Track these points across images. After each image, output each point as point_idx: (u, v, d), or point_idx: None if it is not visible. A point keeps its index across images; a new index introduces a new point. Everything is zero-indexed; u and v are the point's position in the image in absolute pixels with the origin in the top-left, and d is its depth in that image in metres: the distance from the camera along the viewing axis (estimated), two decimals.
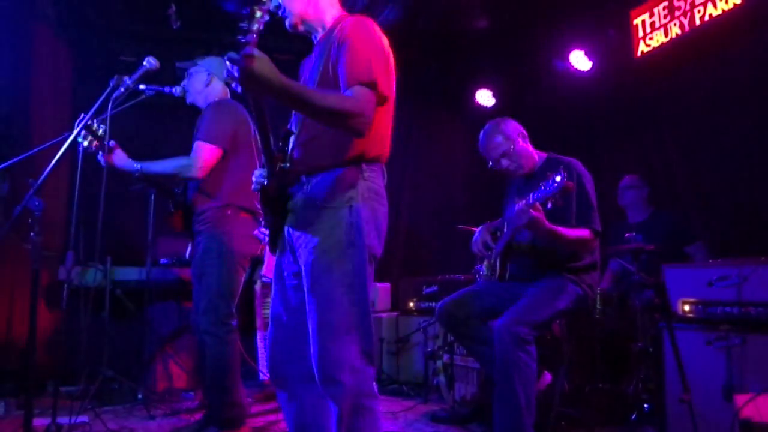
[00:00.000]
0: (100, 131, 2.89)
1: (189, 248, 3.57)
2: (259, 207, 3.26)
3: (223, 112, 3.21)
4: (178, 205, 3.27)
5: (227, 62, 1.64)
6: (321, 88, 1.94)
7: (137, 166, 2.98)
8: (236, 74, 1.64)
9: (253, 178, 2.06)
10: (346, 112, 1.77)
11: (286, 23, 2.10)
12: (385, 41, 1.99)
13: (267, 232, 2.12)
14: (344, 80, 1.85)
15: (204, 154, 3.09)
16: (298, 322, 1.99)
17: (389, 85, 1.96)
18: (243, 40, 1.62)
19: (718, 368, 2.73)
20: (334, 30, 1.99)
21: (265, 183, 1.98)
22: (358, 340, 1.83)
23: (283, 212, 2.02)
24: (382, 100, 1.91)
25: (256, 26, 1.65)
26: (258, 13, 1.66)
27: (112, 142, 2.95)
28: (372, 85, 1.84)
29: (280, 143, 2.01)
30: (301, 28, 2.11)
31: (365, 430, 1.82)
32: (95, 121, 2.86)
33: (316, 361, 1.83)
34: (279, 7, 2.06)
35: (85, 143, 2.96)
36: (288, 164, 1.96)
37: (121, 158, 2.97)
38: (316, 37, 2.14)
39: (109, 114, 2.79)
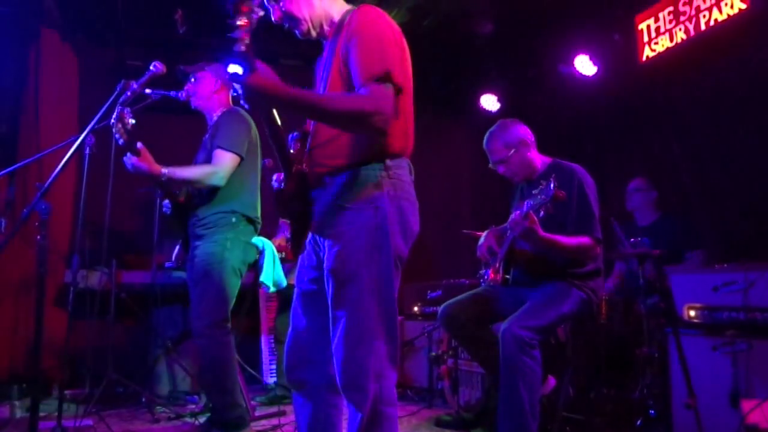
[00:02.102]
0: (130, 124, 2.83)
1: (176, 250, 3.56)
2: (259, 217, 3.30)
3: (239, 120, 3.26)
4: (177, 207, 3.27)
5: (233, 83, 1.64)
6: (333, 88, 1.86)
7: (164, 171, 2.99)
8: (240, 92, 1.62)
9: (274, 183, 2.03)
10: (361, 112, 1.69)
11: (297, 33, 2.01)
12: (396, 28, 1.88)
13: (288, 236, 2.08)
14: (358, 79, 1.75)
15: (226, 162, 3.13)
16: (318, 327, 1.92)
17: (404, 74, 1.84)
18: (238, 52, 1.58)
19: (725, 374, 2.71)
20: (342, 24, 1.89)
21: (282, 186, 1.91)
22: (385, 345, 1.77)
23: (305, 216, 1.90)
24: (398, 91, 1.79)
25: (245, 32, 1.60)
26: (242, 20, 1.61)
27: (139, 144, 2.92)
28: (386, 77, 1.73)
29: (299, 144, 1.94)
30: (313, 33, 2.00)
31: None
32: (126, 111, 2.81)
33: (340, 366, 1.77)
34: (284, 18, 1.97)
35: (118, 135, 2.88)
36: (305, 166, 1.88)
37: (148, 161, 2.96)
38: (325, 34, 2.04)
39: (114, 123, 2.79)
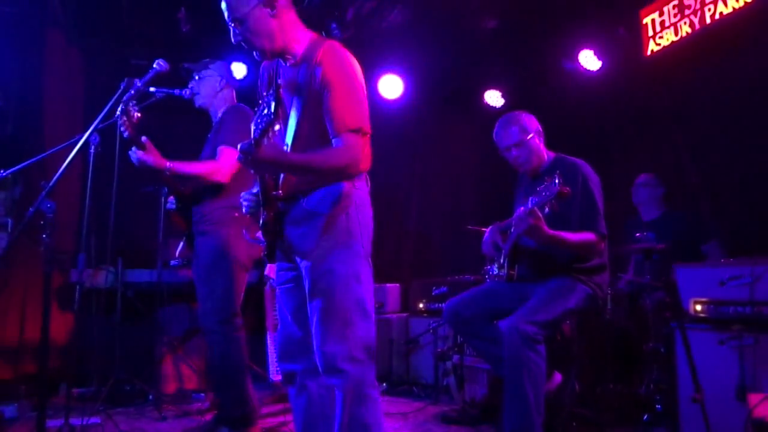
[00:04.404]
0: (135, 117, 2.85)
1: (180, 247, 3.55)
2: None
3: (243, 117, 3.24)
4: (182, 201, 3.27)
5: (239, 153, 1.80)
6: (306, 119, 2.06)
7: (169, 165, 2.99)
8: (248, 164, 1.83)
9: (242, 202, 2.13)
10: (344, 165, 2.02)
11: (255, 54, 2.14)
12: (359, 71, 2.10)
13: (263, 241, 2.18)
14: (334, 126, 2.00)
15: (230, 159, 3.11)
16: (299, 320, 2.16)
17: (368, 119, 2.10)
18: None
19: (731, 368, 2.70)
20: (311, 58, 2.06)
21: (264, 214, 2.11)
22: (359, 333, 2.00)
23: (279, 227, 2.14)
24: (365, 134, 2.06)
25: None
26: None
27: (144, 138, 2.93)
28: (360, 130, 2.02)
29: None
30: (270, 57, 2.16)
31: (368, 418, 1.95)
32: (132, 104, 2.83)
33: (319, 353, 2.00)
34: (243, 42, 2.09)
35: (123, 128, 2.91)
36: (281, 191, 2.09)
37: (153, 155, 2.97)
38: (285, 59, 2.18)
39: (119, 116, 2.80)
